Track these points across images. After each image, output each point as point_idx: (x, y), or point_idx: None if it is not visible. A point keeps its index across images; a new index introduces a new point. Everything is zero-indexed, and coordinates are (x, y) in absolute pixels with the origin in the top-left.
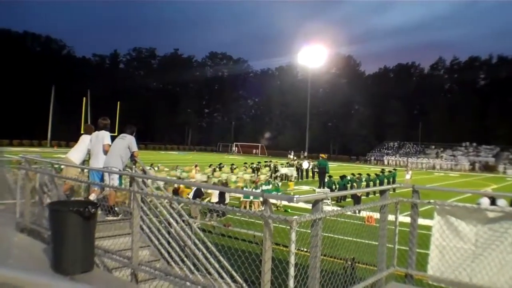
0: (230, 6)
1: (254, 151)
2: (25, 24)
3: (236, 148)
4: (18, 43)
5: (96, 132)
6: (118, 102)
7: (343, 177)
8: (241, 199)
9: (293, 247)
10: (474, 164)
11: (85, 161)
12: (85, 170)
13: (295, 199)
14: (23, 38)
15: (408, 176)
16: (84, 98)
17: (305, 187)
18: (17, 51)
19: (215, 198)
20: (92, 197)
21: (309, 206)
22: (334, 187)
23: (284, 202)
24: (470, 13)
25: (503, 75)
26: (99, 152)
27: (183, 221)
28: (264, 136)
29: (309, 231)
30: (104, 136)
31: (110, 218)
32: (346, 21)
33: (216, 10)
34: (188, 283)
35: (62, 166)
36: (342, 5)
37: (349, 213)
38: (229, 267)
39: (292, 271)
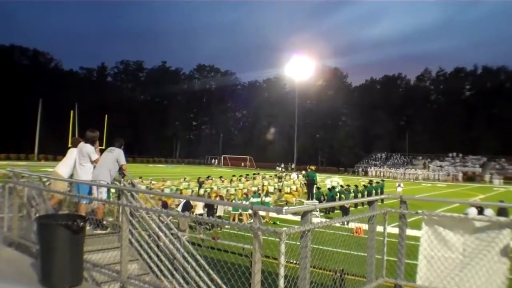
0: (217, 18)
1: (243, 163)
2: (12, 37)
3: (216, 160)
4: (5, 56)
5: (82, 143)
6: (106, 115)
7: (331, 188)
8: (231, 211)
9: (282, 259)
10: (460, 174)
11: (72, 175)
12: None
13: (284, 210)
14: (10, 51)
15: (399, 189)
16: (72, 111)
17: (294, 199)
18: (4, 64)
19: (199, 210)
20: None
21: (297, 218)
22: (322, 198)
23: (272, 214)
24: (455, 24)
25: (488, 85)
26: (81, 164)
27: (172, 234)
28: (252, 148)
29: (298, 243)
30: (88, 151)
31: (99, 232)
32: (332, 33)
33: (204, 23)
34: None
35: (51, 180)
36: (329, 17)
37: (337, 224)
38: (219, 280)
39: (282, 282)
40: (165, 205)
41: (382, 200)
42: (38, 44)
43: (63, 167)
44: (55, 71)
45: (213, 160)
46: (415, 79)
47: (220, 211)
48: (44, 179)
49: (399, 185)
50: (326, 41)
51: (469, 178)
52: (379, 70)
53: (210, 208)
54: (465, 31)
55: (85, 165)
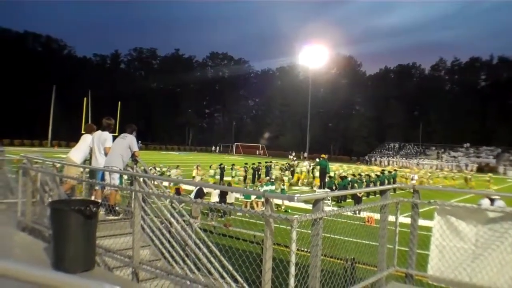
0: (231, 6)
1: (257, 151)
2: (26, 24)
3: (218, 148)
4: (19, 43)
5: (99, 131)
6: (119, 102)
7: (343, 177)
8: (242, 199)
9: (294, 246)
10: (475, 165)
11: (86, 161)
12: (85, 170)
13: (296, 198)
14: (23, 38)
15: (413, 182)
16: (85, 99)
17: (305, 188)
18: (18, 51)
19: (214, 198)
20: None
21: (309, 207)
22: (334, 187)
23: (286, 203)
24: (471, 13)
25: (503, 76)
26: (100, 152)
27: (184, 221)
28: (265, 136)
29: (309, 231)
30: (106, 138)
31: (111, 217)
32: (347, 22)
33: (217, 11)
34: (188, 282)
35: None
36: (343, 5)
37: (349, 213)
38: (230, 267)
39: (293, 269)
40: (178, 192)
41: (394, 190)
42: (51, 30)
43: (77, 153)
44: (68, 58)
45: (213, 148)
46: (430, 68)
47: (231, 199)
48: (58, 165)
49: (412, 178)
50: (341, 29)
51: (481, 169)
52: (394, 59)
53: (223, 196)
54: (481, 20)
55: (104, 153)
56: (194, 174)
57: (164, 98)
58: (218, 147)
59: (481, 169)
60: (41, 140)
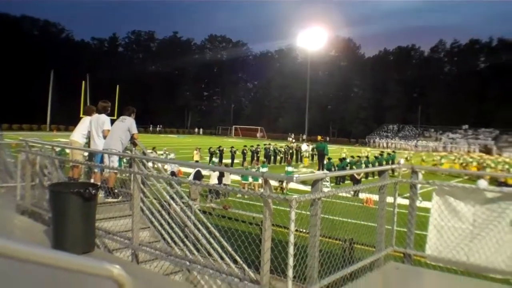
0: None
1: (258, 134)
2: (23, 8)
3: (200, 130)
4: (16, 27)
5: (97, 115)
6: (117, 86)
7: (342, 159)
8: (240, 181)
9: (292, 226)
10: (474, 147)
11: (85, 144)
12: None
13: (294, 178)
14: (21, 22)
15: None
16: (83, 82)
17: (304, 170)
18: (15, 35)
19: (213, 181)
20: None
21: (308, 188)
22: (333, 169)
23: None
24: None
25: (503, 58)
26: (99, 135)
27: (183, 202)
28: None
29: (308, 212)
30: (104, 121)
31: (110, 200)
32: (346, 4)
33: None
34: (188, 263)
35: (68, 150)
36: None
37: (348, 195)
38: (229, 247)
39: (291, 249)
40: (173, 174)
41: (392, 171)
42: (48, 14)
43: (80, 137)
44: (66, 41)
45: (196, 129)
46: (429, 50)
47: (227, 180)
48: (57, 149)
49: (398, 162)
50: (340, 11)
51: (482, 151)
52: (393, 41)
53: (220, 177)
54: (480, 2)
55: (102, 135)
56: (195, 158)
57: (163, 81)
58: (201, 130)
59: (482, 151)
60: (40, 125)
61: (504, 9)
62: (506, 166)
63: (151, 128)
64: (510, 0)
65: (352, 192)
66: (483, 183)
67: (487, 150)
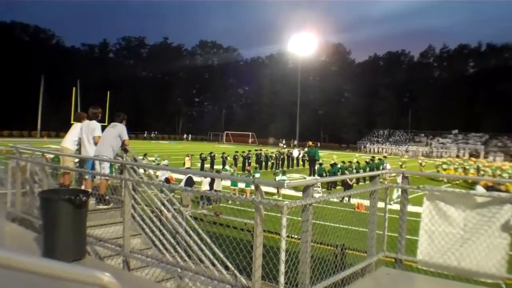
0: None
1: (249, 140)
2: (13, 14)
3: (189, 136)
4: (6, 33)
5: (88, 121)
6: (108, 92)
7: (333, 165)
8: (230, 187)
9: (284, 232)
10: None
11: (76, 151)
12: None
13: (285, 185)
14: (11, 28)
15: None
16: (74, 88)
17: (296, 175)
18: (5, 41)
19: (205, 187)
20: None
21: (300, 194)
22: (324, 174)
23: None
24: (460, 0)
25: (492, 63)
26: (89, 142)
27: (175, 209)
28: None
29: (299, 218)
30: (95, 127)
31: (101, 206)
32: (336, 9)
33: None
34: (179, 270)
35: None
36: None
37: (339, 200)
38: (221, 254)
39: (283, 255)
40: (167, 181)
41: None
42: (39, 20)
43: (71, 143)
44: (56, 47)
45: (184, 135)
46: (419, 55)
47: (218, 187)
48: (48, 156)
49: (384, 168)
50: (330, 17)
51: (472, 155)
52: (383, 46)
53: (211, 186)
54: (469, 8)
55: (93, 142)
56: (187, 165)
57: (153, 87)
58: (187, 136)
59: (471, 156)
60: (30, 131)
61: (492, 14)
62: (505, 175)
63: (145, 135)
64: (498, 5)
65: (345, 198)
66: (480, 190)
67: (476, 155)
